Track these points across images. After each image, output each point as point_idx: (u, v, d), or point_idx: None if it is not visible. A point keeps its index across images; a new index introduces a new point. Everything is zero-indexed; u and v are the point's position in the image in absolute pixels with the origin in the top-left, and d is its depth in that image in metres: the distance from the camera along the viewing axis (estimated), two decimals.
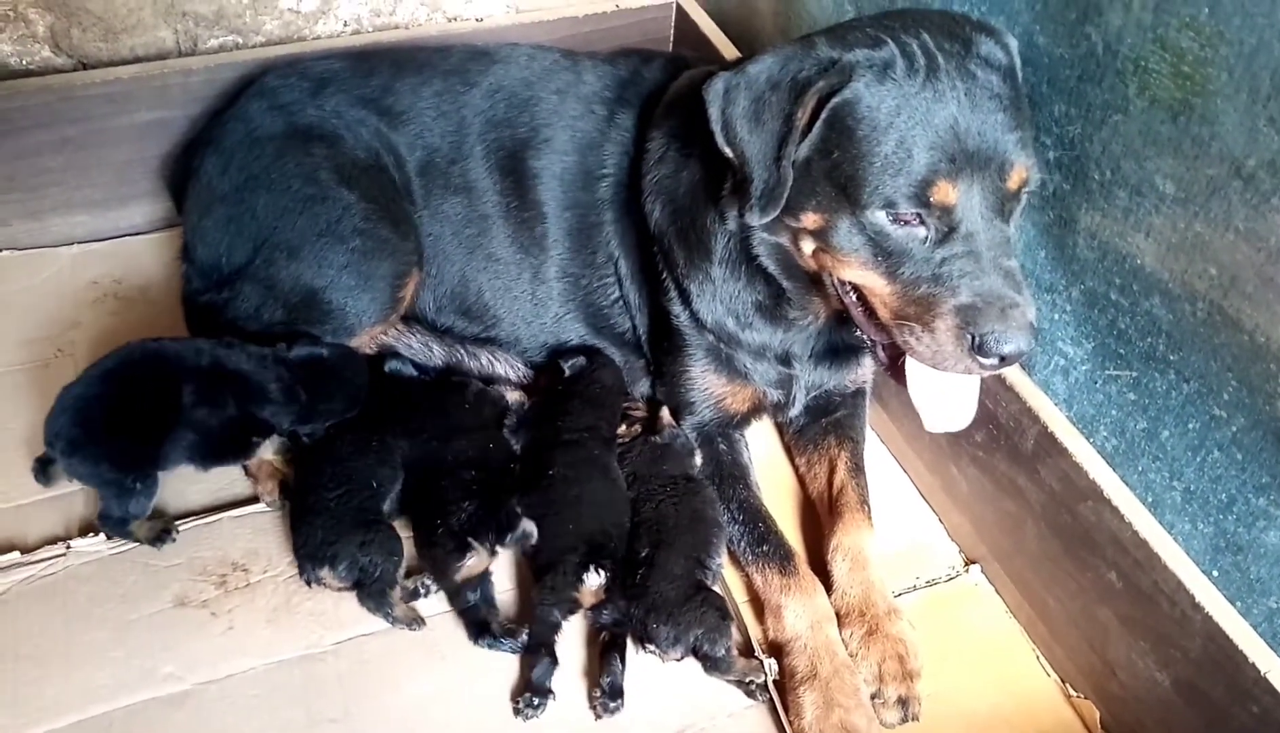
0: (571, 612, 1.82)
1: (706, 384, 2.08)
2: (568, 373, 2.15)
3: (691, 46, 2.75)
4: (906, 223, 1.58)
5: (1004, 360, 1.54)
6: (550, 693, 1.75)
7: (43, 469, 1.97)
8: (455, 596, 1.87)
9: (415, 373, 2.19)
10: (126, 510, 1.90)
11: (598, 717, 1.76)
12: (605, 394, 2.12)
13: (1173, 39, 1.47)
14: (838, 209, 1.63)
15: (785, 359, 2.03)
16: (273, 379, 1.95)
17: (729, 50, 2.65)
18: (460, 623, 1.87)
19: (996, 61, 1.59)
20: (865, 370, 2.14)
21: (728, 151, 1.71)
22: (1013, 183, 1.58)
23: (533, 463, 2.01)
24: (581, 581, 1.81)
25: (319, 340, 2.06)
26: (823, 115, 1.60)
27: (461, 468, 1.95)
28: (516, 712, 1.74)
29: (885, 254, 1.61)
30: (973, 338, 1.53)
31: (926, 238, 1.58)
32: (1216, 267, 1.52)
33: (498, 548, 1.86)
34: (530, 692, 1.74)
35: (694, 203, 1.94)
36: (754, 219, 1.72)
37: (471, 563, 1.83)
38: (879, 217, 1.59)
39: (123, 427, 1.86)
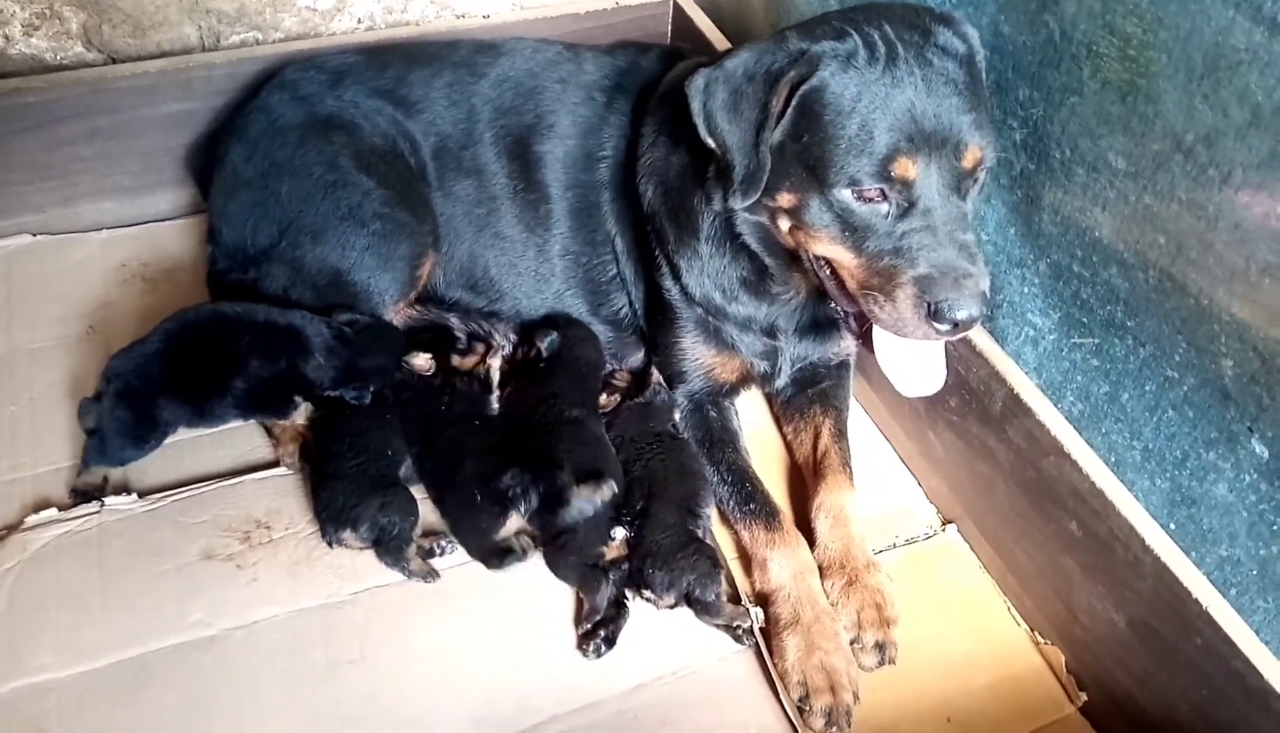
0: (598, 565, 1.94)
1: (697, 355, 2.20)
2: (544, 352, 2.25)
3: (688, 41, 2.87)
4: (870, 199, 1.70)
5: (958, 326, 1.67)
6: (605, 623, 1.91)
7: (86, 404, 2.09)
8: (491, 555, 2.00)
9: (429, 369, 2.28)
10: (117, 458, 2.07)
11: (586, 656, 1.89)
12: (587, 367, 2.24)
13: (1119, 24, 1.60)
14: (809, 189, 1.76)
15: (770, 332, 2.16)
16: (315, 334, 2.08)
17: (723, 44, 2.77)
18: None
19: (954, 50, 1.72)
20: (848, 344, 2.25)
21: (710, 141, 1.83)
22: (967, 162, 1.70)
23: (536, 442, 2.10)
24: (611, 537, 1.95)
25: (354, 312, 2.19)
26: (794, 102, 1.73)
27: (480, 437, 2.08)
28: (585, 652, 1.89)
29: (851, 229, 1.73)
30: (929, 306, 1.66)
31: (888, 213, 1.70)
32: (1165, 236, 1.64)
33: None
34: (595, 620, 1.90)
35: (683, 185, 2.07)
36: (736, 203, 1.85)
37: (510, 525, 1.98)
38: (845, 194, 1.71)
39: (177, 382, 2.02)
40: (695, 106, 1.81)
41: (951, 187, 1.70)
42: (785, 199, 1.81)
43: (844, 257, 1.77)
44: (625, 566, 1.95)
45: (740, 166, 1.79)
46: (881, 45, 1.69)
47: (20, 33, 2.61)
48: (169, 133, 2.64)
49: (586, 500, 1.93)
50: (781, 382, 2.26)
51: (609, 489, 1.95)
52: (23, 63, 2.64)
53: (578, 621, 1.93)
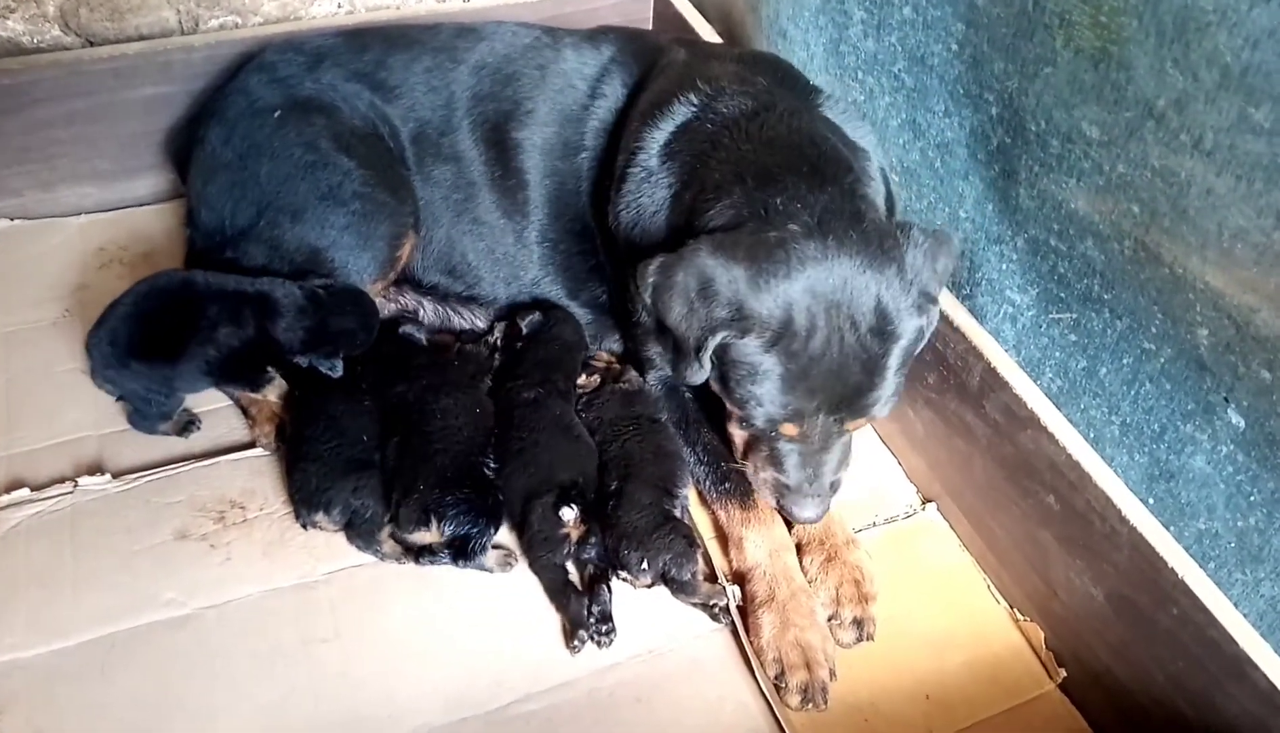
0: (567, 550, 1.94)
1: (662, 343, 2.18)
2: (525, 331, 2.25)
3: (669, 27, 2.87)
4: None
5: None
6: (588, 620, 1.88)
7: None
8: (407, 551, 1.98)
9: (422, 341, 2.29)
10: (154, 414, 2.10)
11: (599, 647, 1.87)
12: (565, 350, 2.23)
13: None
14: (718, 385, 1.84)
15: None
16: (284, 295, 2.07)
17: (704, 28, 2.77)
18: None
19: (893, 336, 1.70)
20: None
21: (659, 319, 1.82)
22: (855, 425, 1.82)
23: (497, 421, 2.11)
24: (560, 519, 1.93)
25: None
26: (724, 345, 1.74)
27: (446, 429, 2.04)
28: (573, 649, 1.86)
29: (742, 421, 1.88)
30: (778, 501, 1.90)
31: (774, 433, 1.82)
32: (1139, 205, 1.64)
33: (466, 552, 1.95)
34: (578, 629, 1.86)
35: (659, 238, 2.02)
36: (676, 379, 2.01)
37: (421, 535, 1.94)
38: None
39: (146, 345, 2.02)
40: (646, 285, 1.78)
41: (836, 433, 1.80)
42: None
43: (735, 429, 1.95)
44: (590, 544, 1.94)
45: (681, 356, 1.81)
46: (818, 333, 1.67)
47: None
48: (147, 117, 2.62)
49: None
50: None
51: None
52: None
53: (568, 638, 1.89)
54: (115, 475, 2.06)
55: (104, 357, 2.04)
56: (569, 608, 1.89)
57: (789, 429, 1.78)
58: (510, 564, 1.96)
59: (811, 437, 1.78)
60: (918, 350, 1.76)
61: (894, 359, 1.70)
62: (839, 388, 1.71)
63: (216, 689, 1.77)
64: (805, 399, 1.72)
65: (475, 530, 1.91)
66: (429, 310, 2.40)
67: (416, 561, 1.94)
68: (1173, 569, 1.60)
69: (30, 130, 2.54)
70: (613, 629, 1.88)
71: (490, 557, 1.95)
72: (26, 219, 2.64)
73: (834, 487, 1.88)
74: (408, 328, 2.28)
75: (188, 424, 2.15)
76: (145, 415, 2.12)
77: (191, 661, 1.81)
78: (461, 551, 1.92)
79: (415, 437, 2.02)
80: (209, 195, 2.29)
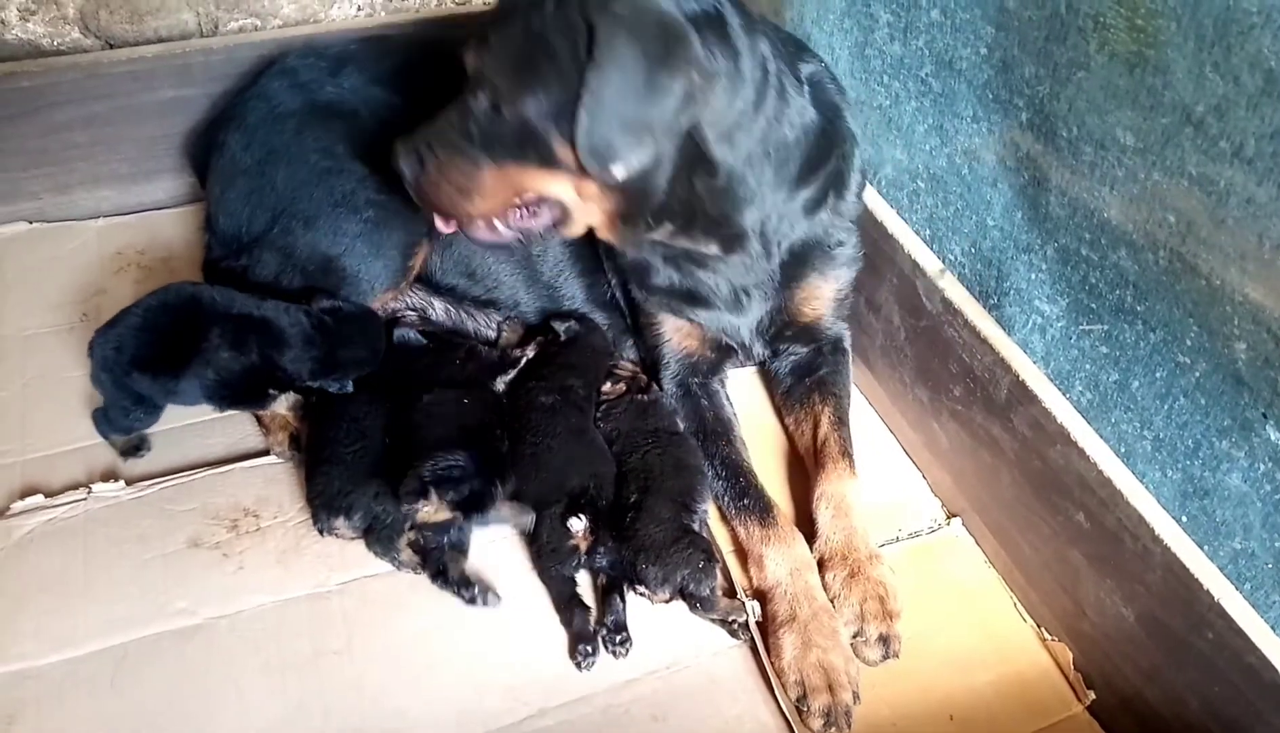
0: (576, 561, 1.91)
1: (666, 331, 2.18)
2: (562, 336, 2.23)
3: None
4: None
5: None
6: (597, 635, 1.84)
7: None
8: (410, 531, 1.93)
9: (422, 341, 2.27)
10: (122, 426, 2.07)
11: (616, 657, 1.83)
12: (588, 359, 2.21)
13: None
14: None
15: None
16: (291, 324, 2.04)
17: None
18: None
19: None
20: (824, 304, 2.19)
21: None
22: None
23: (512, 425, 2.09)
24: (569, 529, 1.90)
25: (337, 298, 2.14)
26: None
27: (445, 418, 2.02)
28: (578, 666, 1.82)
29: None
30: None
31: None
32: (1174, 214, 1.59)
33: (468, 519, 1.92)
34: (582, 643, 1.83)
35: None
36: None
37: (425, 511, 1.89)
38: None
39: (146, 359, 1.99)
40: None
41: None
42: None
43: None
44: (600, 552, 1.90)
45: None
46: None
47: (17, 18, 2.59)
48: (166, 119, 2.61)
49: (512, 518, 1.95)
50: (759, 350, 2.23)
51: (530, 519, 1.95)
52: (19, 48, 2.62)
53: (571, 653, 1.85)
54: (129, 482, 2.04)
55: (104, 361, 2.01)
56: (573, 622, 1.86)
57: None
58: (526, 524, 1.94)
59: None
60: None
61: None
62: None
63: (227, 701, 1.75)
64: None
65: (477, 484, 1.89)
66: (438, 310, 2.37)
67: (432, 579, 1.91)
68: (1208, 591, 1.54)
69: (48, 133, 2.54)
70: (628, 639, 1.84)
71: (505, 510, 1.93)
72: (44, 222, 2.64)
73: None
74: (402, 331, 2.25)
75: (136, 447, 2.11)
76: (113, 423, 2.08)
77: (203, 671, 1.78)
78: (473, 505, 1.89)
79: (404, 426, 2.02)
80: (227, 201, 2.27)
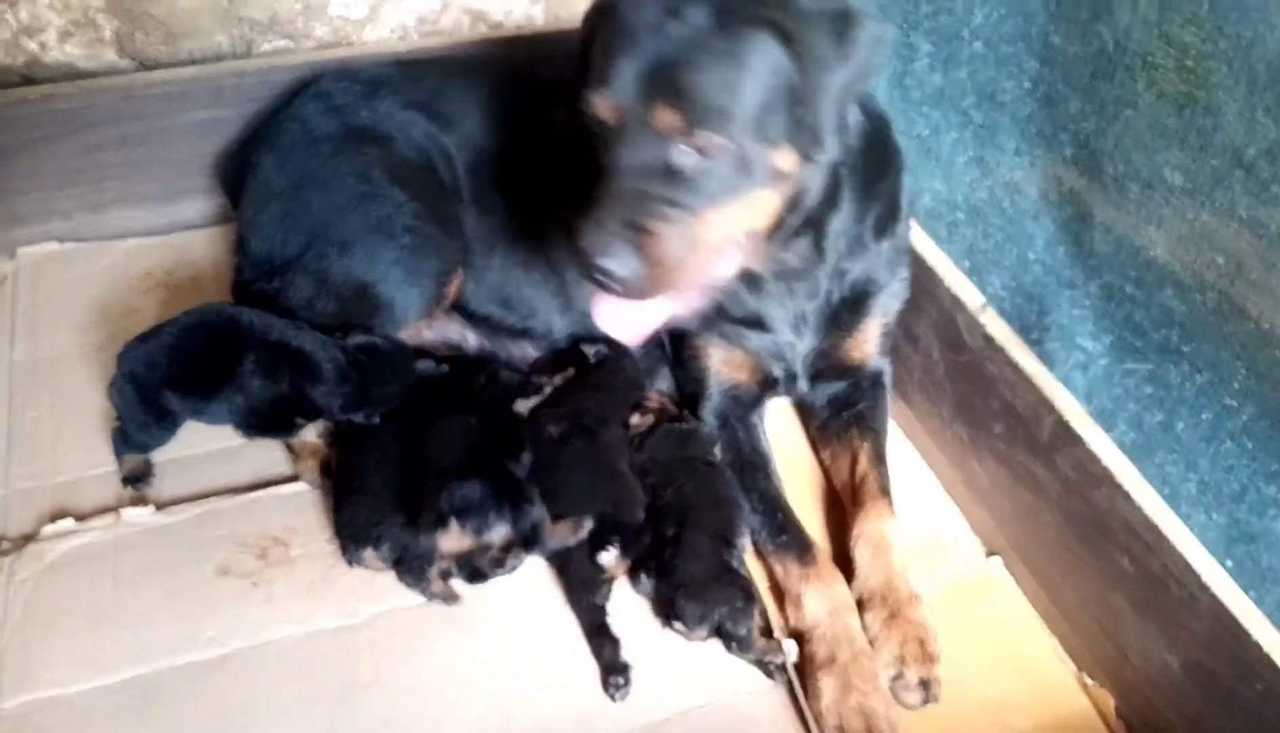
0: (608, 591, 1.89)
1: (713, 362, 2.14)
2: (593, 360, 2.21)
3: None
4: None
5: None
6: (628, 666, 1.82)
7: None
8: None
9: (443, 369, 2.23)
10: (138, 442, 2.07)
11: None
12: (617, 380, 2.19)
13: (1176, 34, 1.53)
14: None
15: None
16: (327, 360, 2.02)
17: None
18: (488, 598, 1.92)
19: None
20: (869, 343, 2.16)
21: None
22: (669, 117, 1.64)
23: (537, 452, 2.05)
24: (599, 564, 1.88)
25: (372, 333, 2.13)
26: None
27: (452, 443, 1.99)
28: (611, 697, 1.80)
29: None
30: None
31: None
32: (1223, 255, 1.57)
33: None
34: (613, 673, 1.81)
35: None
36: None
37: (447, 543, 1.86)
38: None
39: (179, 377, 2.00)
40: None
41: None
42: None
43: None
44: (642, 578, 1.90)
45: None
46: None
47: (55, 40, 2.61)
48: (198, 141, 2.61)
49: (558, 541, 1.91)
50: (802, 383, 2.19)
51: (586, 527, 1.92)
52: (56, 70, 2.63)
53: (604, 683, 1.83)
54: (159, 507, 2.03)
55: (133, 375, 2.01)
56: (604, 653, 1.83)
57: (600, 106, 1.64)
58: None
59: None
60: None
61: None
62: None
63: None
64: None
65: (495, 511, 1.85)
66: (472, 344, 2.36)
67: (471, 579, 1.89)
68: (1256, 642, 1.51)
69: (82, 153, 2.54)
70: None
71: (560, 530, 1.90)
72: (76, 242, 2.64)
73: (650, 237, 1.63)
74: (422, 363, 2.20)
75: (140, 476, 2.09)
76: (129, 439, 2.08)
77: (231, 702, 1.76)
78: (527, 542, 1.86)
79: (416, 452, 1.99)
80: (260, 224, 2.27)
